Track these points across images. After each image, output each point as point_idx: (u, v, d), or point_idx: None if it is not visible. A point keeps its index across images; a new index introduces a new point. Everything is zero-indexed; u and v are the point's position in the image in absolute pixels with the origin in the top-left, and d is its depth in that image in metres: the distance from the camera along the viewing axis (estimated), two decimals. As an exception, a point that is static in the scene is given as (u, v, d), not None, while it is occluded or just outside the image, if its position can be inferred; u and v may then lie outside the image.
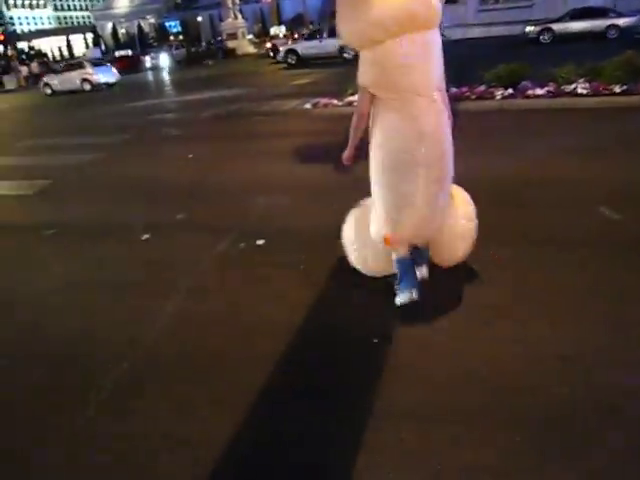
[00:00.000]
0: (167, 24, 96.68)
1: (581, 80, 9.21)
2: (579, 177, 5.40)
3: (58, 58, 72.19)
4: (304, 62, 24.76)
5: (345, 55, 22.92)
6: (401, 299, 3.31)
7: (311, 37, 26.78)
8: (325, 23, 33.00)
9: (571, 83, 9.22)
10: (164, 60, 41.99)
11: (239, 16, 52.02)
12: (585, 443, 2.21)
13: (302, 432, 2.44)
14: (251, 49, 47.49)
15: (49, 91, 26.80)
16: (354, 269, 3.65)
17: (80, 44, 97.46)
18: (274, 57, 30.05)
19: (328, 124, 9.60)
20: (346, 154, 3.27)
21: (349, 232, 3.64)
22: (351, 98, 10.24)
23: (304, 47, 25.63)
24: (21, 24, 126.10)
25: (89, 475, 2.37)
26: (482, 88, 9.80)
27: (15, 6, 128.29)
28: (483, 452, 2.22)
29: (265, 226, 4.98)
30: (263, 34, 64.61)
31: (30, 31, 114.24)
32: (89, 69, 26.72)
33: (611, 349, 2.77)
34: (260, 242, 4.54)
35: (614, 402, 2.41)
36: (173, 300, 3.77)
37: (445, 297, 3.42)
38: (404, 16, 2.73)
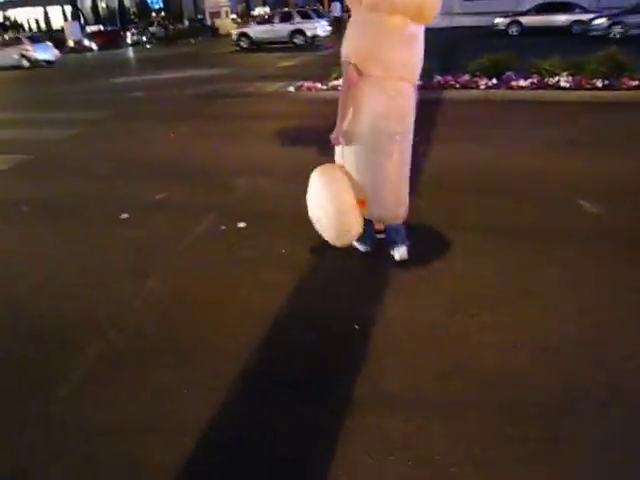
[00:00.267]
0: (149, 0, 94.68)
1: (564, 73, 9.27)
2: (560, 170, 5.44)
3: (35, 30, 70.23)
4: (258, 46, 24.96)
5: (295, 40, 23.91)
6: (361, 247, 3.85)
7: (264, 21, 26.95)
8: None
9: (554, 76, 9.28)
10: (146, 36, 41.17)
11: (223, -6, 51.15)
12: (571, 436, 2.24)
13: (283, 420, 2.42)
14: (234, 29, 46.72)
15: None
16: (336, 254, 3.64)
17: (58, 16, 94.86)
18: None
19: (311, 107, 9.53)
20: (335, 134, 3.38)
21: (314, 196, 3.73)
22: (335, 82, 10.18)
23: (256, 31, 25.68)
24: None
25: (65, 460, 2.33)
26: (466, 77, 9.81)
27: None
28: (467, 442, 2.22)
29: (246, 208, 4.93)
30: (246, 14, 63.59)
31: (5, 0, 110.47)
32: (27, 45, 26.11)
33: (594, 343, 2.80)
34: (241, 225, 4.49)
35: (599, 395, 2.44)
36: (152, 282, 3.71)
37: (428, 288, 3.42)
38: (417, 2, 3.03)
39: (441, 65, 10.10)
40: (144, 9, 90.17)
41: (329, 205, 3.51)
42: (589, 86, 8.91)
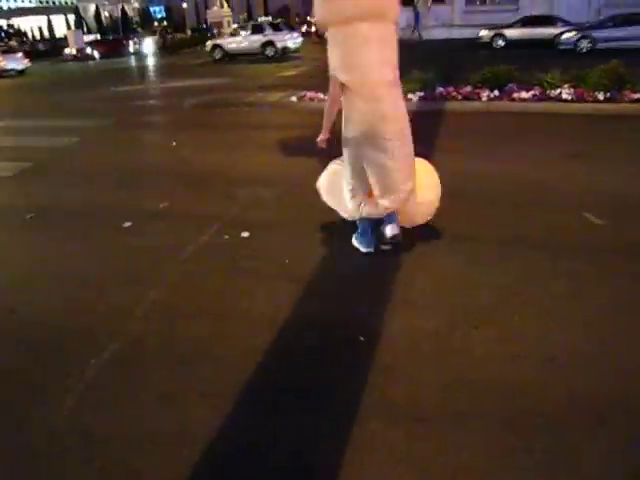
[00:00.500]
0: (152, 9, 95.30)
1: (566, 86, 9.31)
2: (563, 182, 5.45)
3: (38, 38, 70.57)
4: (231, 57, 25.55)
5: (267, 53, 24.49)
6: (361, 247, 4.03)
7: (235, 33, 27.80)
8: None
9: (556, 88, 9.31)
10: (148, 46, 41.42)
11: (225, 5, 51.52)
12: (576, 447, 2.22)
13: (288, 430, 2.40)
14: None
15: None
16: (339, 264, 3.64)
17: (62, 25, 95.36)
18: None
19: (313, 118, 9.46)
20: (321, 137, 3.82)
21: (325, 181, 4.21)
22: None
23: (229, 42, 26.30)
24: (0, 0, 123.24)
25: (69, 469, 2.31)
26: (468, 89, 9.84)
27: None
28: (471, 453, 2.21)
29: (249, 218, 4.93)
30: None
31: (10, 8, 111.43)
32: None
33: (599, 355, 2.79)
34: (245, 234, 4.48)
35: (603, 407, 2.43)
36: (154, 291, 3.70)
37: (431, 298, 3.42)
38: (366, 9, 3.36)
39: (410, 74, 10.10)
40: (147, 18, 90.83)
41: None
42: (591, 99, 8.94)
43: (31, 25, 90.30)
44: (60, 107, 13.74)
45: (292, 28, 27.82)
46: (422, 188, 4.01)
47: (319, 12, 3.57)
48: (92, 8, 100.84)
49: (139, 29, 70.68)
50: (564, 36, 20.62)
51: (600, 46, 19.20)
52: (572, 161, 6.16)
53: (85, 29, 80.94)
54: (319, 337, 3.07)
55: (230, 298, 3.55)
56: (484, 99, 9.52)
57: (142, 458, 2.30)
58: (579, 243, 4.10)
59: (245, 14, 72.45)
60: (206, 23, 54.66)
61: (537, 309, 3.22)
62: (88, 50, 38.60)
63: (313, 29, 34.31)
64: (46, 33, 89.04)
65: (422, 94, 9.90)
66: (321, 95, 10.12)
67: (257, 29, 26.13)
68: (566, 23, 22.74)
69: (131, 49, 40.01)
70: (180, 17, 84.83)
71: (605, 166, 5.94)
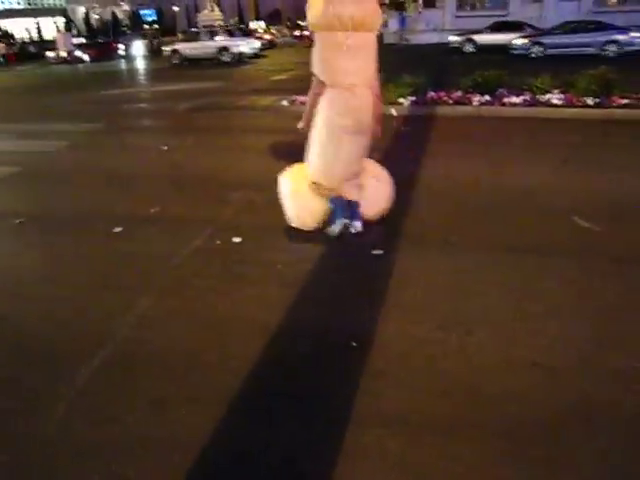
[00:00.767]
0: (142, 12, 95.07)
1: (556, 91, 9.39)
2: (553, 186, 5.49)
3: (27, 40, 70.09)
4: (189, 62, 26.18)
5: (223, 58, 25.33)
6: (336, 228, 4.42)
7: (192, 39, 28.68)
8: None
9: (546, 93, 9.39)
10: (138, 49, 41.30)
11: (216, 9, 51.43)
12: (572, 453, 2.24)
13: (280, 436, 2.40)
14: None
15: None
16: (332, 269, 3.65)
17: (51, 28, 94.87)
18: None
19: (305, 122, 9.54)
20: (303, 124, 4.30)
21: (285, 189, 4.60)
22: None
23: (187, 47, 26.97)
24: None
25: (60, 476, 2.28)
26: (459, 94, 9.89)
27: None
28: (465, 459, 2.22)
29: (242, 223, 4.92)
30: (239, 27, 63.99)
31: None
32: None
33: (593, 360, 2.81)
34: (237, 239, 4.47)
35: (594, 412, 2.45)
36: (147, 296, 3.68)
37: (424, 304, 3.42)
38: (356, 14, 3.75)
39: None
40: (137, 21, 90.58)
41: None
42: (580, 104, 9.02)
43: (20, 27, 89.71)
44: (50, 110, 13.65)
45: (248, 34, 29.37)
46: (376, 178, 4.59)
47: (310, 16, 3.95)
48: (81, 11, 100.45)
49: (129, 32, 70.37)
50: (517, 42, 21.34)
51: (550, 52, 20.14)
52: (562, 166, 6.21)
53: (74, 32, 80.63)
54: (312, 343, 3.07)
55: (222, 304, 3.54)
56: (475, 104, 9.57)
57: (133, 464, 2.29)
58: (570, 247, 4.12)
59: (236, 18, 72.47)
60: (197, 26, 54.59)
61: (529, 314, 3.24)
62: (77, 53, 38.42)
63: (306, 33, 34.66)
64: (35, 35, 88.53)
65: (414, 98, 9.94)
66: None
67: (213, 35, 27.18)
68: (534, 29, 23.33)
69: (121, 52, 39.86)
70: (171, 20, 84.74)
71: (595, 171, 5.99)
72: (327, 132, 4.11)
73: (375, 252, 4.06)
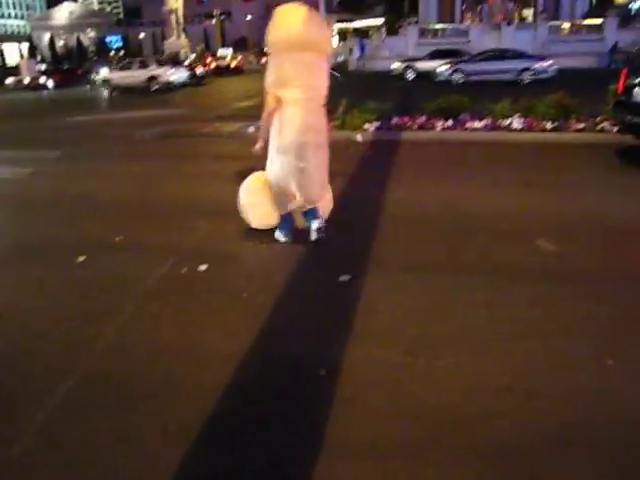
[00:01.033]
0: (108, 39, 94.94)
1: (516, 116, 9.66)
2: (516, 209, 5.60)
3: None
4: (120, 90, 27.39)
5: (152, 87, 26.76)
6: (281, 237, 4.81)
7: (124, 67, 30.02)
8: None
9: (507, 118, 9.65)
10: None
11: (182, 36, 51.79)
12: (544, 475, 2.24)
13: (246, 465, 2.35)
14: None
15: None
16: (298, 296, 3.63)
17: (15, 54, 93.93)
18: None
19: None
20: (258, 146, 4.66)
21: (244, 195, 5.01)
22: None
23: (118, 77, 28.54)
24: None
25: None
26: (423, 119, 10.09)
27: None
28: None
29: (207, 250, 4.88)
30: (207, 55, 64.45)
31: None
32: None
33: (560, 381, 2.83)
34: (203, 267, 4.42)
35: (568, 434, 2.46)
36: (111, 327, 3.59)
37: (391, 329, 3.42)
38: (302, 35, 4.29)
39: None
40: (103, 48, 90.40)
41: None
42: (539, 128, 9.30)
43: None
44: (11, 137, 13.42)
45: (177, 64, 30.33)
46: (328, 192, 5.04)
47: (269, 39, 4.47)
48: (46, 37, 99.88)
49: (95, 58, 70.11)
50: (440, 69, 22.34)
51: (472, 79, 21.46)
52: (523, 189, 6.36)
53: (39, 58, 80.00)
54: (279, 372, 3.03)
55: (188, 334, 3.48)
56: (438, 129, 9.78)
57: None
58: (535, 269, 4.20)
59: (203, 45, 72.93)
60: (163, 53, 54.76)
61: (496, 337, 3.26)
62: (42, 79, 38.05)
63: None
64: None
65: (378, 124, 10.10)
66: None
67: (143, 64, 28.54)
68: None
69: (86, 78, 39.63)
70: (137, 47, 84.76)
71: (555, 193, 6.15)
72: (294, 150, 4.44)
73: (342, 278, 4.07)
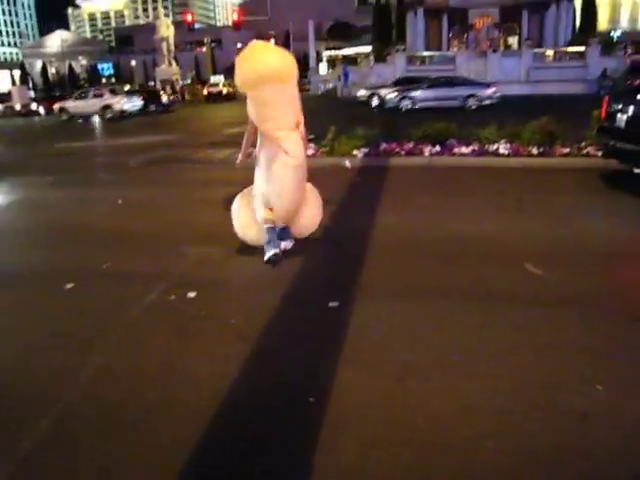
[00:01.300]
0: (100, 66, 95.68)
1: (502, 141, 9.81)
2: (504, 234, 5.67)
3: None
4: (77, 118, 28.48)
5: (106, 115, 27.86)
6: (269, 255, 4.99)
7: (80, 97, 31.13)
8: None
9: (494, 143, 9.80)
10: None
11: (173, 63, 52.38)
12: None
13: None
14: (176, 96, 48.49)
15: None
16: (287, 322, 3.65)
17: (6, 80, 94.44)
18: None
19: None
20: (239, 160, 5.33)
21: (237, 211, 5.32)
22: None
23: (73, 106, 29.71)
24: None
25: None
26: (411, 145, 10.21)
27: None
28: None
29: (196, 277, 4.88)
30: (197, 82, 65.15)
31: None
32: None
33: (545, 405, 2.84)
34: (191, 294, 4.41)
35: (552, 457, 2.47)
36: (99, 354, 3.57)
37: (380, 354, 3.42)
38: (270, 69, 4.62)
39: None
40: (95, 75, 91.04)
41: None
42: (525, 153, 9.44)
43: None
44: (3, 163, 13.41)
45: (131, 93, 31.41)
46: (309, 208, 5.37)
47: (238, 80, 4.83)
48: (39, 64, 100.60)
49: (86, 85, 70.57)
50: (388, 96, 23.04)
51: (419, 105, 22.12)
52: (511, 213, 6.44)
53: (31, 85, 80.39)
54: (268, 398, 3.02)
55: (176, 362, 3.46)
56: (426, 154, 9.90)
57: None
58: (522, 294, 4.23)
59: (193, 72, 73.67)
60: (154, 80, 55.27)
61: (485, 361, 3.28)
62: (33, 106, 38.21)
63: None
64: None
65: (366, 150, 10.20)
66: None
67: (97, 94, 29.66)
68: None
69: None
70: (128, 74, 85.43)
71: (542, 217, 6.22)
72: (274, 170, 4.87)
73: (331, 304, 4.08)
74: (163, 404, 3.01)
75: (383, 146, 10.29)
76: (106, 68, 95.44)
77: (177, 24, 58.41)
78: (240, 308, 4.18)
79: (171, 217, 7.11)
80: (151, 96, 34.01)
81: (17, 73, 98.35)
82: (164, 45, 50.92)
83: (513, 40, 47.96)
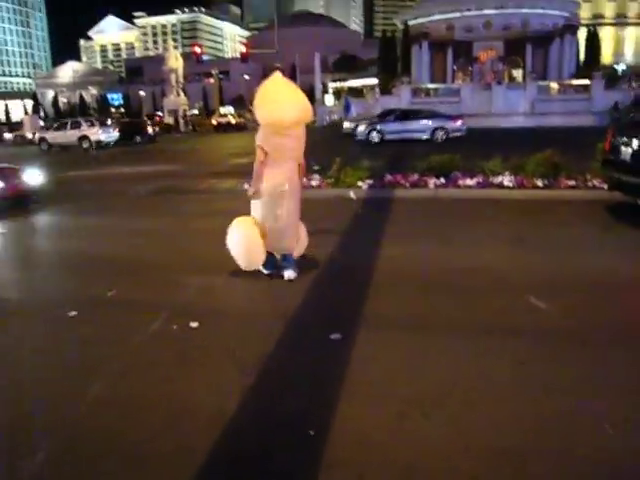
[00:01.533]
0: (109, 96, 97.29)
1: (507, 173, 9.84)
2: (508, 267, 5.64)
3: (-5, 122, 70.96)
4: (56, 147, 29.77)
5: (83, 145, 28.77)
6: (264, 270, 5.46)
7: (58, 128, 31.83)
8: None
9: (498, 175, 9.82)
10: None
11: (181, 94, 53.21)
12: None
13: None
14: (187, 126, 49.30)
15: None
16: (289, 354, 3.62)
17: (19, 110, 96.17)
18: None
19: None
20: (252, 191, 5.30)
21: (233, 237, 5.48)
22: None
23: (52, 136, 30.66)
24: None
25: None
26: (416, 177, 10.26)
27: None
28: None
29: (199, 307, 4.87)
30: (204, 112, 66.12)
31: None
32: None
33: (547, 444, 2.79)
34: (194, 324, 4.40)
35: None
36: (99, 384, 3.54)
37: (380, 389, 3.39)
38: (294, 118, 5.13)
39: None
40: (104, 105, 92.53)
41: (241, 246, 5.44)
42: (530, 185, 9.46)
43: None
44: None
45: (106, 124, 32.00)
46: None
47: (261, 117, 5.19)
48: (50, 94, 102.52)
49: (96, 115, 71.73)
50: (358, 129, 23.45)
51: (388, 137, 22.50)
52: (515, 245, 6.42)
53: (42, 114, 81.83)
54: (268, 433, 2.98)
55: (177, 391, 3.44)
56: (431, 186, 9.93)
57: None
58: (525, 327, 4.19)
59: (201, 102, 74.77)
60: (162, 110, 56.09)
61: (487, 397, 3.23)
62: (44, 135, 38.78)
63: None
64: (2, 116, 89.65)
65: (371, 182, 10.26)
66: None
67: (75, 125, 30.71)
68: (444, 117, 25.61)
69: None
70: (137, 104, 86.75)
71: (546, 250, 6.20)
72: (271, 198, 5.24)
73: (333, 336, 4.05)
74: (161, 437, 2.97)
75: (388, 178, 10.34)
76: (116, 98, 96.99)
77: (186, 56, 59.50)
78: (242, 338, 4.16)
79: (174, 246, 7.13)
80: (136, 127, 34.90)
81: (29, 103, 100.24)
82: (173, 76, 51.83)
83: (517, 73, 48.62)
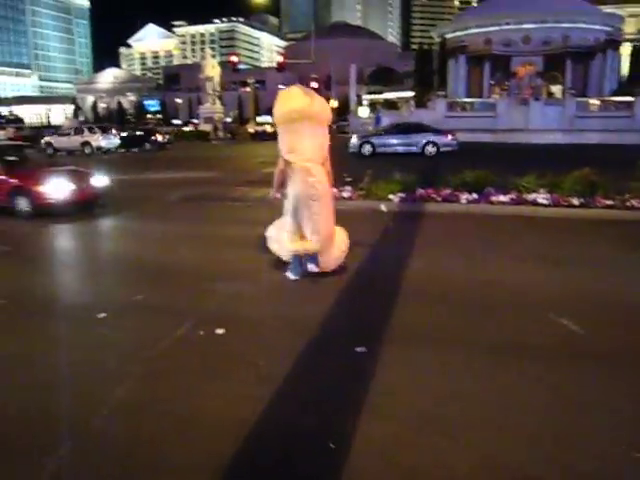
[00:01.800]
0: (146, 102, 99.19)
1: (542, 190, 9.64)
2: (538, 285, 5.52)
3: (36, 125, 73.06)
4: (60, 152, 30.24)
5: (86, 151, 29.66)
6: (292, 276, 5.65)
7: (63, 134, 33.20)
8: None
9: (532, 193, 9.64)
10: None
11: (217, 102, 53.92)
12: None
13: None
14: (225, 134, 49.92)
15: None
16: (314, 366, 3.66)
17: (59, 114, 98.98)
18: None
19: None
20: (273, 194, 6.02)
21: (272, 232, 6.08)
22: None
23: (58, 141, 31.79)
24: (5, 89, 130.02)
25: None
26: (448, 191, 10.14)
27: (1, 72, 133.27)
28: None
29: (226, 314, 4.88)
30: (239, 120, 66.90)
31: (12, 97, 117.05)
32: None
33: (571, 467, 2.71)
34: (220, 331, 4.41)
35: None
36: (122, 388, 3.57)
37: (401, 406, 3.34)
38: (297, 107, 5.54)
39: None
40: (141, 111, 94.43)
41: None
42: (566, 203, 9.25)
43: (31, 113, 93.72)
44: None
45: (107, 131, 32.43)
46: (336, 244, 5.85)
47: (275, 114, 5.72)
48: (90, 100, 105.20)
49: (133, 120, 73.25)
50: (352, 141, 24.10)
51: (380, 150, 22.74)
52: (547, 264, 6.28)
53: (82, 119, 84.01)
54: (288, 444, 2.96)
55: (198, 401, 3.44)
56: (463, 202, 9.80)
57: None
58: (553, 348, 4.09)
59: (236, 111, 75.58)
60: (198, 117, 56.94)
61: (510, 416, 3.16)
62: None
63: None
64: (44, 120, 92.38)
65: (403, 195, 10.18)
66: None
67: (78, 131, 32.04)
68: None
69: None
70: (173, 111, 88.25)
71: (579, 270, 6.06)
72: (302, 201, 5.50)
73: (358, 349, 4.01)
74: (179, 445, 2.98)
75: (420, 192, 10.24)
76: (153, 104, 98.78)
77: (223, 64, 60.29)
78: (266, 348, 4.15)
79: (204, 253, 7.19)
80: (146, 134, 35.60)
81: (70, 108, 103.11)
82: (209, 84, 52.56)
83: (556, 88, 47.85)
